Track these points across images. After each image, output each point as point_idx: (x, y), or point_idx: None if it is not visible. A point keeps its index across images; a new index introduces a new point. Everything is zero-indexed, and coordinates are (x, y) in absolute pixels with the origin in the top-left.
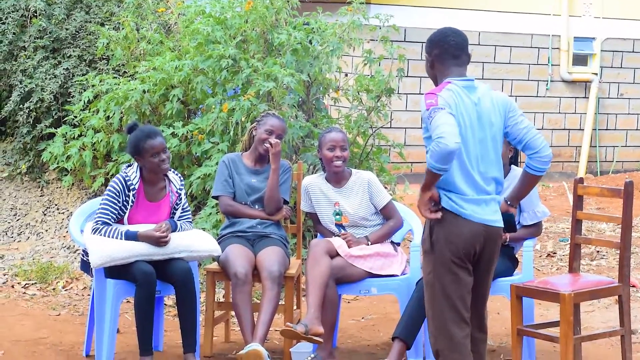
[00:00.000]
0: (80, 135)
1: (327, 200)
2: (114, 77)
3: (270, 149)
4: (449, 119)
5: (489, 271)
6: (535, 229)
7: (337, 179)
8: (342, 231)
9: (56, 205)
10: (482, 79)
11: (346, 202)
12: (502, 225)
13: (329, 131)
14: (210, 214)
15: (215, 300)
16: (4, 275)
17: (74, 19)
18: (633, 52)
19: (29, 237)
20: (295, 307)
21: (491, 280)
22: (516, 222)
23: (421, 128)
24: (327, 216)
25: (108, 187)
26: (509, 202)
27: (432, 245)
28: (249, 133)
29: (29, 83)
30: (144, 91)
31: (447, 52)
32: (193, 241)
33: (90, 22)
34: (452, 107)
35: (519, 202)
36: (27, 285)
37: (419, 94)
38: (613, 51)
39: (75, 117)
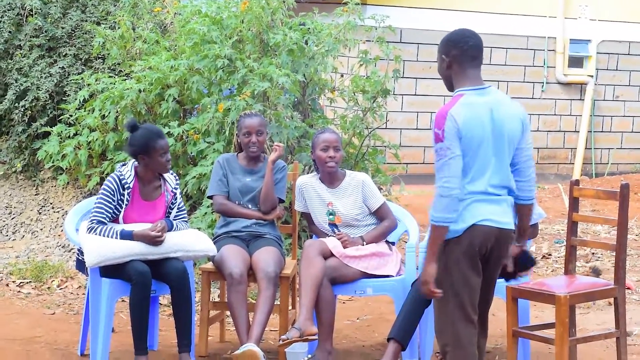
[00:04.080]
0: (75, 134)
1: (321, 200)
2: (110, 76)
3: (276, 151)
4: (453, 168)
5: (496, 271)
6: (531, 231)
7: (330, 179)
8: (337, 231)
9: (51, 204)
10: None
11: (339, 202)
12: (513, 228)
13: (322, 132)
14: (206, 213)
15: (211, 300)
16: None
17: (69, 18)
18: (629, 54)
19: (23, 236)
20: (290, 307)
21: (496, 280)
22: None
23: (416, 129)
24: (320, 216)
25: (103, 186)
26: (517, 244)
27: (445, 242)
28: (235, 139)
29: (25, 81)
30: (139, 90)
31: (465, 54)
32: (188, 241)
33: (86, 21)
34: (461, 129)
35: (526, 236)
36: (21, 284)
37: (415, 95)
38: (609, 53)
39: (71, 116)
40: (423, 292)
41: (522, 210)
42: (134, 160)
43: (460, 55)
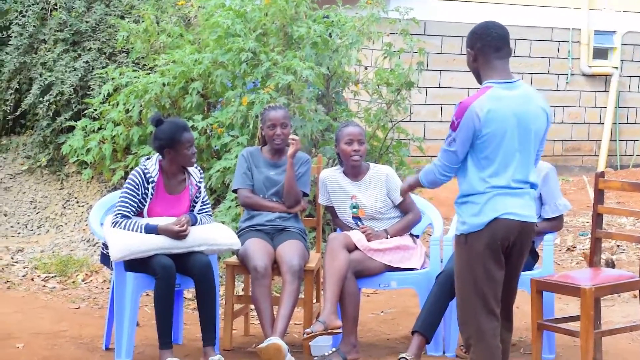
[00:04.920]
0: (99, 129)
1: (344, 194)
2: (134, 70)
3: (293, 145)
4: (451, 159)
5: (519, 264)
6: (556, 222)
7: (354, 172)
8: (361, 224)
9: (76, 198)
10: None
11: (363, 195)
12: (535, 221)
13: (346, 125)
14: (230, 207)
15: (235, 293)
16: (24, 268)
17: (94, 12)
18: None
19: (48, 230)
20: (314, 301)
21: (520, 273)
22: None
23: (440, 122)
24: (344, 209)
25: (127, 180)
26: None
27: (466, 237)
28: (260, 132)
29: (49, 76)
30: (163, 84)
31: (489, 45)
32: (213, 235)
33: (110, 14)
34: (482, 123)
35: None
36: (47, 278)
37: (439, 87)
38: (634, 45)
39: (95, 110)
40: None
41: None
42: (158, 154)
43: (485, 47)
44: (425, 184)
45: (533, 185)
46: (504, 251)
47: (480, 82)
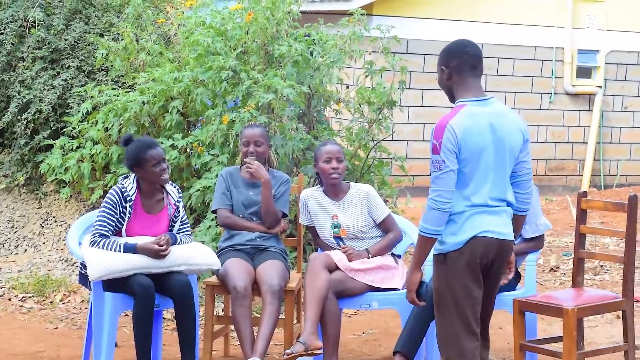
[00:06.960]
0: (78, 147)
1: (325, 213)
2: (113, 89)
3: (250, 168)
4: (447, 181)
5: (497, 282)
6: (537, 242)
7: (335, 191)
8: (342, 244)
9: (54, 217)
10: (485, 91)
11: (344, 215)
12: (513, 238)
13: (324, 144)
14: (210, 226)
15: (215, 314)
16: (1, 288)
17: (73, 30)
18: (637, 64)
19: (26, 250)
20: (295, 321)
21: (497, 292)
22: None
23: (423, 141)
24: (325, 229)
25: (105, 199)
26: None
27: (445, 256)
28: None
29: (27, 94)
30: (143, 102)
31: (465, 63)
32: (192, 254)
33: (89, 32)
34: (460, 141)
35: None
36: (24, 299)
37: (421, 106)
38: (617, 64)
39: (74, 128)
40: (408, 300)
41: (517, 220)
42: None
43: (460, 66)
44: (428, 232)
45: (510, 204)
46: (482, 269)
47: (452, 100)
